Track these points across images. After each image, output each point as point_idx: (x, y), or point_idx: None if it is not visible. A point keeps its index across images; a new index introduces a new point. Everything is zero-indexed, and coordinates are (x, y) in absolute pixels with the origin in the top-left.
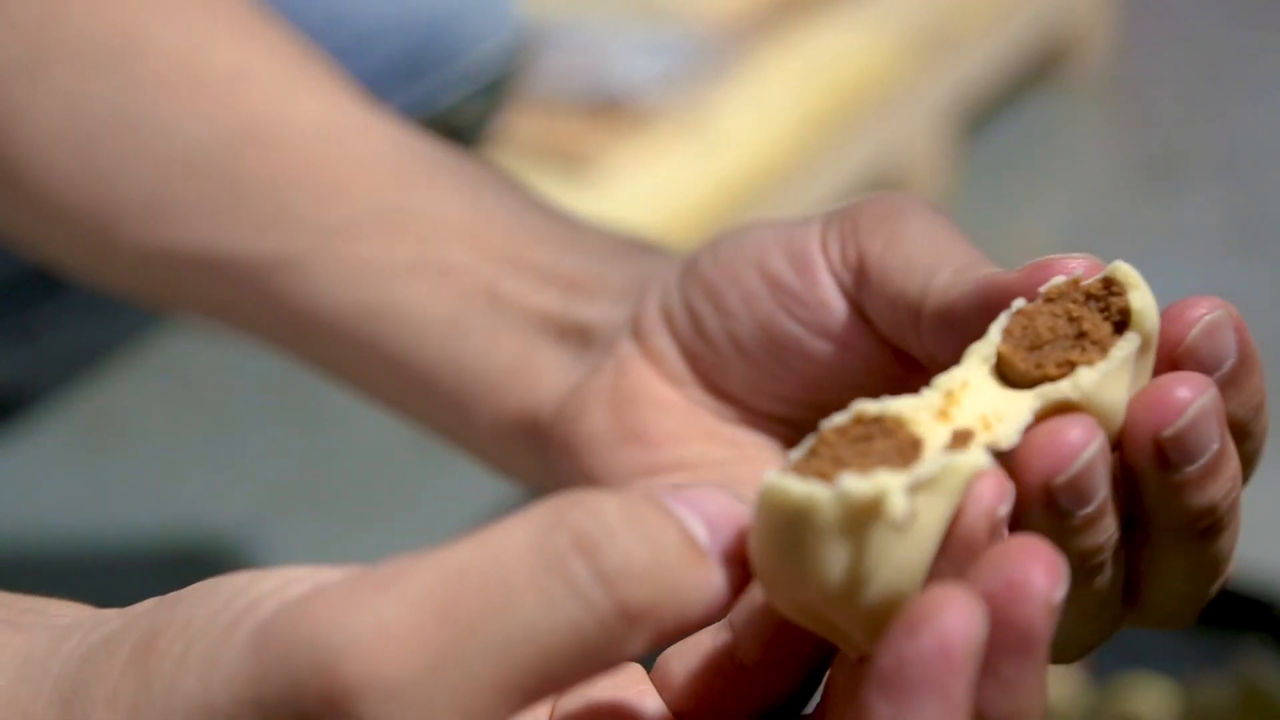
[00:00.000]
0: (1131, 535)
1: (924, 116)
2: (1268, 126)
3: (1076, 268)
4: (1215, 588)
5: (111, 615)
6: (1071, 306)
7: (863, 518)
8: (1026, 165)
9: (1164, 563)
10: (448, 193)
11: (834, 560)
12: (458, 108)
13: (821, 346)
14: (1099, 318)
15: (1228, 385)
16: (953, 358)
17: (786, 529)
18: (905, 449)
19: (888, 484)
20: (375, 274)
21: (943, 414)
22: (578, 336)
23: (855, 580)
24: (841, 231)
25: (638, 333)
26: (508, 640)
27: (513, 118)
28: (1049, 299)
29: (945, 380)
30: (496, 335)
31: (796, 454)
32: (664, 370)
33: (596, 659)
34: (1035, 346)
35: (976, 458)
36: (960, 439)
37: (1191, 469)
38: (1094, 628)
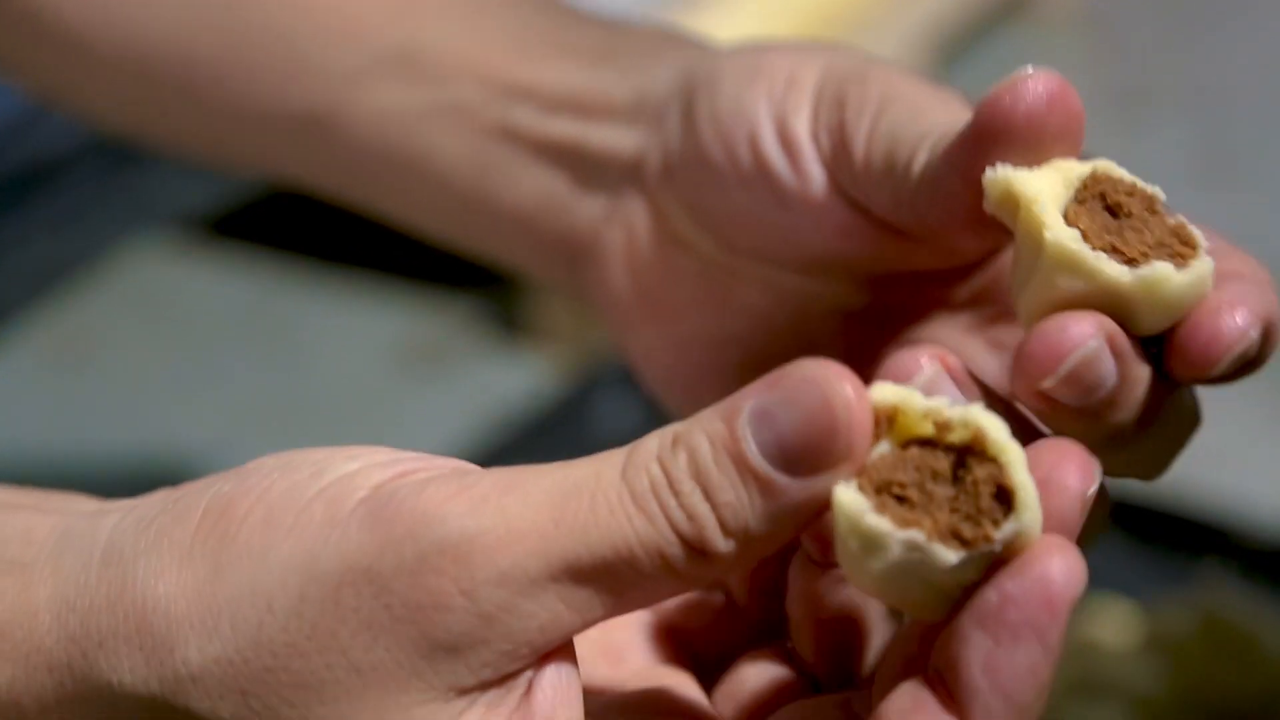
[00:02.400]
0: None
1: (897, 48)
2: (1238, 61)
3: (1026, 95)
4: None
5: (143, 499)
6: None
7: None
8: None
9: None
10: (448, 20)
11: (904, 572)
12: None
13: (809, 230)
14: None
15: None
16: (941, 222)
17: (861, 541)
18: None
19: (943, 557)
20: (395, 121)
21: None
22: (594, 169)
23: (930, 583)
24: (830, 118)
25: (644, 183)
26: (601, 547)
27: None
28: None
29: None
30: (517, 172)
31: (877, 452)
32: (672, 226)
33: (672, 578)
34: None
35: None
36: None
37: (1086, 404)
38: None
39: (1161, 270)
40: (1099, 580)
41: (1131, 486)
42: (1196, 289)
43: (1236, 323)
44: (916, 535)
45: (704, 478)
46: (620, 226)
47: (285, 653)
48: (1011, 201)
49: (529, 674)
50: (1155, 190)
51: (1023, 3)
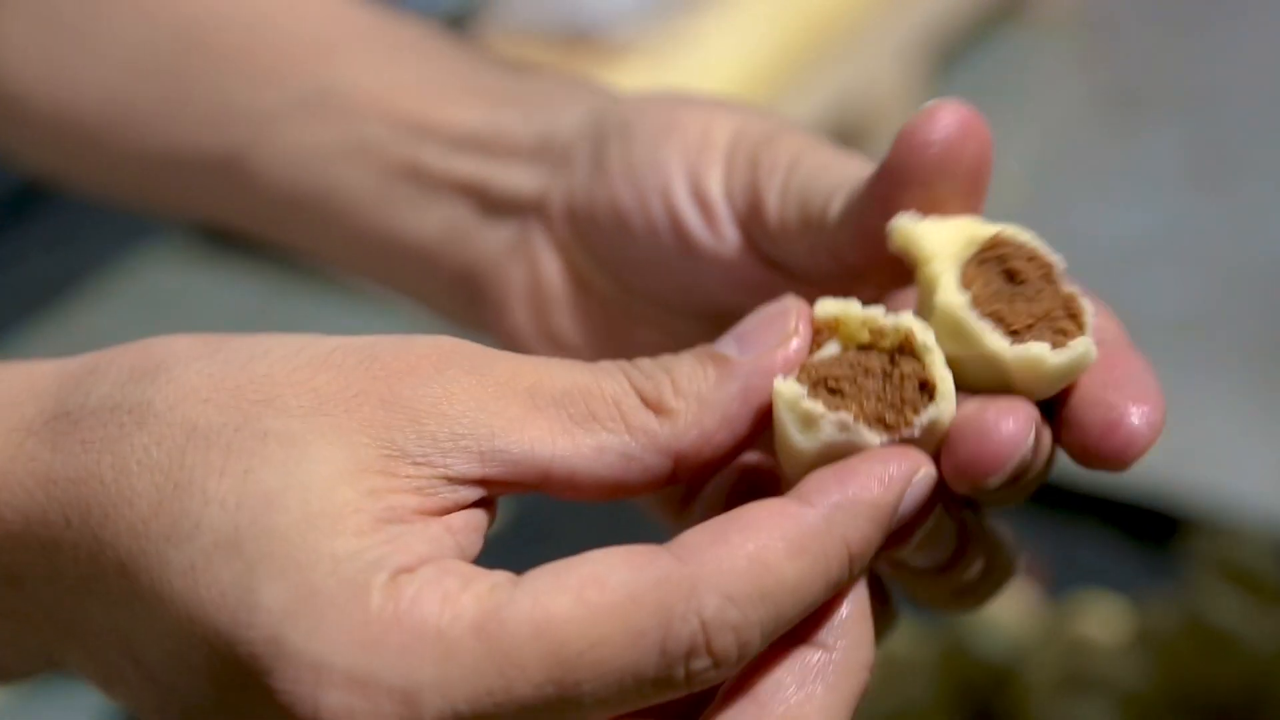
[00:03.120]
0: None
1: (895, 50)
2: (1232, 62)
3: (939, 125)
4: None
5: None
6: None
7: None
8: (995, 100)
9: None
10: (364, 62)
11: (834, 455)
12: None
13: (718, 283)
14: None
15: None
16: (862, 260)
17: (798, 420)
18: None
19: (868, 439)
20: (308, 159)
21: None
22: (497, 205)
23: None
24: (743, 178)
25: (548, 221)
26: (563, 380)
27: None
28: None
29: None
30: (424, 208)
31: (821, 355)
32: (575, 266)
33: (624, 432)
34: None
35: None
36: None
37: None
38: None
39: (1037, 351)
40: (1088, 576)
41: (1121, 482)
42: (1072, 369)
43: (1143, 423)
44: (845, 416)
45: (668, 362)
46: (523, 262)
47: (260, 379)
48: (911, 253)
49: (458, 494)
50: (1056, 259)
51: (1019, 6)
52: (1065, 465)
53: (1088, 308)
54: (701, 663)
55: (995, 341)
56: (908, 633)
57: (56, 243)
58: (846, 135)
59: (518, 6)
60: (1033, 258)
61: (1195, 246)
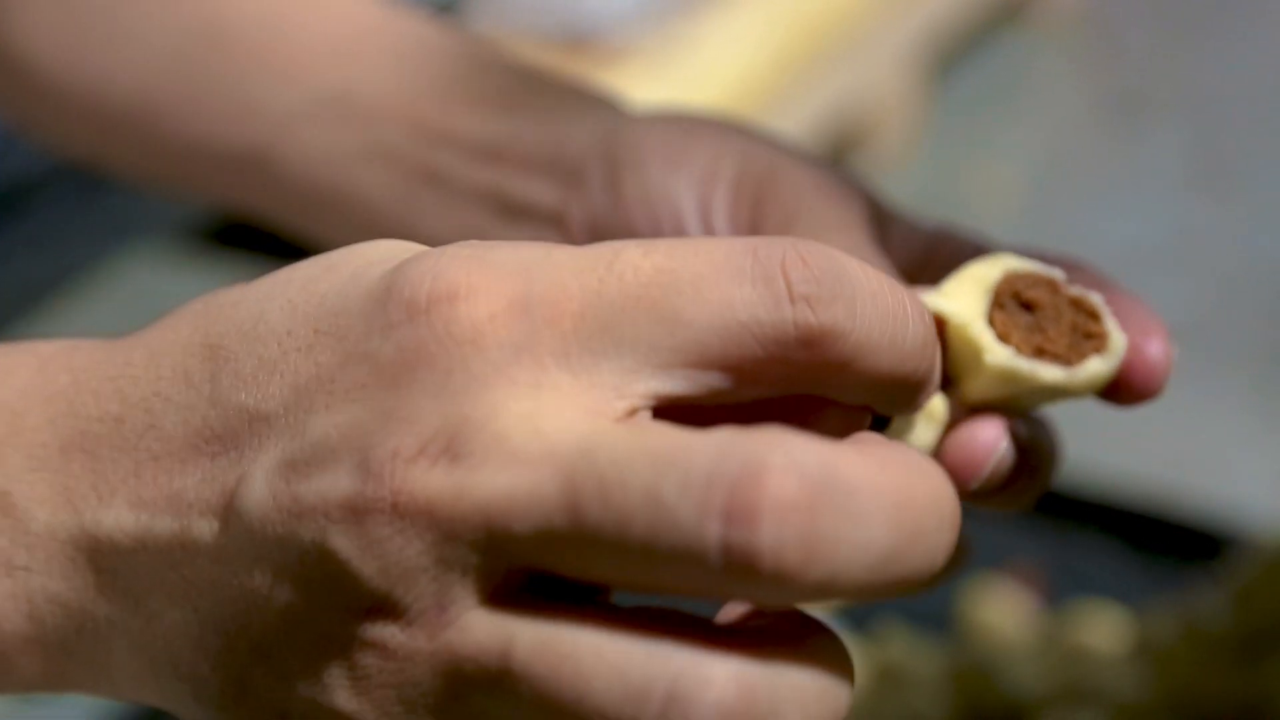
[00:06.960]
0: None
1: (895, 54)
2: (1233, 65)
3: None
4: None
5: None
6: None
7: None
8: (996, 103)
9: None
10: (382, 64)
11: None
12: None
13: None
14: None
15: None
16: None
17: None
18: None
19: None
20: (328, 162)
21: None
22: (516, 211)
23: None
24: (747, 215)
25: (567, 233)
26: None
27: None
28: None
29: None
30: (443, 213)
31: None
32: None
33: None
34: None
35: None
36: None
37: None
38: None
39: (1095, 369)
40: (1090, 586)
41: (1124, 493)
42: (1119, 363)
43: (1161, 353)
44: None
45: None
46: None
47: None
48: (939, 318)
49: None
50: (1054, 272)
51: (1019, 9)
52: (1064, 474)
53: (1098, 300)
54: (798, 271)
55: (1054, 375)
56: (913, 645)
57: (40, 244)
58: (845, 140)
59: (512, 6)
60: (1037, 282)
61: (1197, 251)
